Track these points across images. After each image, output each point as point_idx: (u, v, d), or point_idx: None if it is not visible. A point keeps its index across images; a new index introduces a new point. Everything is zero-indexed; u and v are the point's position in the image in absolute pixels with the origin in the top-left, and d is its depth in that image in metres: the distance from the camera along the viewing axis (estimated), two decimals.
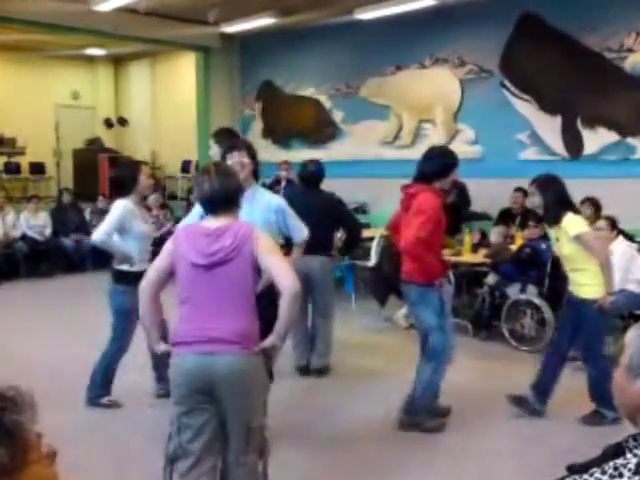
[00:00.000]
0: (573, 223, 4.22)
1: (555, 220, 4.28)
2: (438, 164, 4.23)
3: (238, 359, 2.67)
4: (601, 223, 5.85)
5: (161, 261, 2.83)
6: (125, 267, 4.54)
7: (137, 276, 4.54)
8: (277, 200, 4.00)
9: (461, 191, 7.90)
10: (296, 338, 5.52)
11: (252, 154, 3.82)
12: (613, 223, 5.87)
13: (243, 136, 4.62)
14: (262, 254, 2.69)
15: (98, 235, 4.45)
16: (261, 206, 3.78)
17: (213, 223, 2.77)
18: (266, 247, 2.73)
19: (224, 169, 2.93)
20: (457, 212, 7.79)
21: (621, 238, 5.84)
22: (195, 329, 2.70)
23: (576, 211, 4.36)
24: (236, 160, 3.69)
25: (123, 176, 4.79)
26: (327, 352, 5.55)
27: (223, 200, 2.78)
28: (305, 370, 5.47)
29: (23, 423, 1.06)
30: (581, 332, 4.42)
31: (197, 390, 2.70)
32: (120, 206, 4.55)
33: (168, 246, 2.83)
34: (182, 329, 2.75)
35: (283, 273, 2.67)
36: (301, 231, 4.05)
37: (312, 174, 5.53)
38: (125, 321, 4.59)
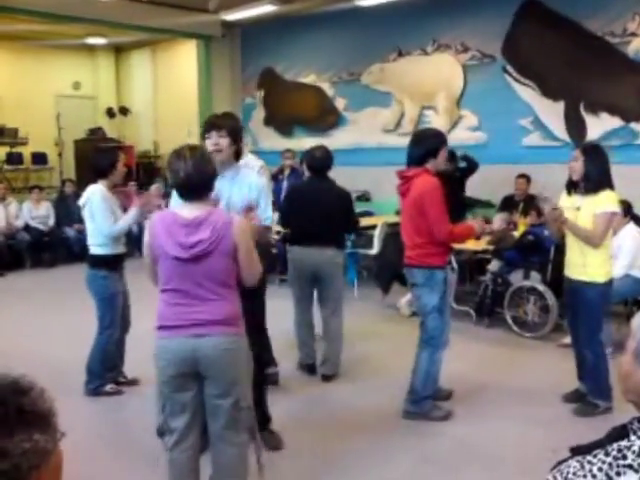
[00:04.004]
0: (613, 199, 4.15)
1: (595, 189, 4.15)
2: (426, 146, 4.22)
3: (223, 340, 2.76)
4: None
5: (147, 252, 2.87)
6: (101, 251, 4.57)
7: (115, 259, 4.61)
8: (259, 179, 3.80)
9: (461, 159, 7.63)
10: (300, 336, 5.24)
11: (234, 135, 3.59)
12: (628, 207, 5.79)
13: (241, 123, 4.43)
14: (238, 244, 2.75)
15: (115, 229, 4.53)
16: (243, 187, 3.61)
17: (189, 212, 2.76)
18: (240, 240, 2.76)
19: (199, 154, 2.83)
20: (461, 185, 7.67)
21: (632, 224, 5.76)
22: (179, 313, 2.77)
23: (600, 188, 4.19)
24: (213, 141, 3.51)
25: (101, 161, 4.72)
26: (338, 356, 5.14)
27: (197, 186, 2.77)
28: (311, 368, 5.15)
29: (51, 406, 1.07)
30: (581, 316, 4.35)
31: (183, 371, 2.79)
32: (98, 193, 4.55)
33: (146, 239, 2.85)
34: (166, 313, 2.81)
35: (246, 270, 2.82)
36: (266, 216, 3.70)
37: (320, 161, 5.16)
38: (111, 308, 4.62)
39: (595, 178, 4.16)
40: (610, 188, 4.20)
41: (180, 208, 2.83)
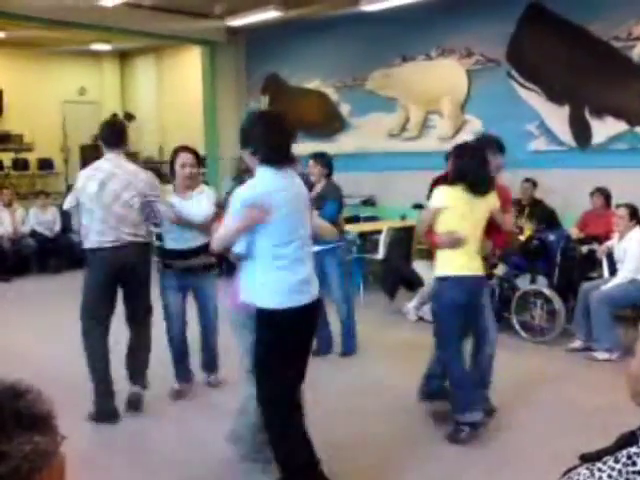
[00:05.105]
0: (437, 194, 3.98)
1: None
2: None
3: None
4: (621, 211, 5.76)
5: None
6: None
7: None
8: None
9: None
10: None
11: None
12: (633, 211, 5.76)
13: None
14: None
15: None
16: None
17: None
18: None
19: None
20: None
21: (638, 228, 5.72)
22: None
23: (452, 183, 3.96)
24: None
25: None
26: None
27: None
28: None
29: (50, 409, 1.08)
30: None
31: None
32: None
33: None
34: None
35: None
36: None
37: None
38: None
39: (451, 175, 4.05)
40: (460, 182, 3.92)
41: None
